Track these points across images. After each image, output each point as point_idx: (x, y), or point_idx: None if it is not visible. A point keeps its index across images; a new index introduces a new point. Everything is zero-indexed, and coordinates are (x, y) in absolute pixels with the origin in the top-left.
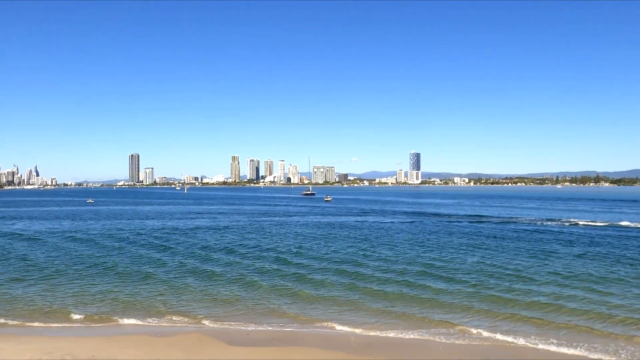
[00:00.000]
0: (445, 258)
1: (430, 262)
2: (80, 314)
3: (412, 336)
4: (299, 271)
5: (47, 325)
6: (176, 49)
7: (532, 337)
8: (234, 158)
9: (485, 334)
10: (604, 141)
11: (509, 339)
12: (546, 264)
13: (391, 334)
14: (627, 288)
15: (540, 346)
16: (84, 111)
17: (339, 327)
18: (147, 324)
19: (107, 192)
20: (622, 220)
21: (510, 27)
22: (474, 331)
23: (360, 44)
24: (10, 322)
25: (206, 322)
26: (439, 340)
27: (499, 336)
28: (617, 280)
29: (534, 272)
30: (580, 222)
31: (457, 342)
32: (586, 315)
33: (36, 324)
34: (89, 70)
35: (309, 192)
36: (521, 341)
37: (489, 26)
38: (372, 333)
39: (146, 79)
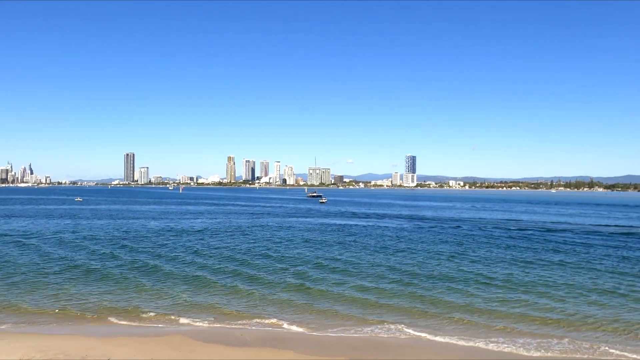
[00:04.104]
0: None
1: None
2: (74, 313)
3: (401, 337)
4: (296, 273)
5: (40, 323)
6: (172, 48)
7: None
8: (229, 158)
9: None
10: (598, 146)
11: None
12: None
13: (395, 335)
14: None
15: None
16: (79, 109)
17: (331, 330)
18: (141, 324)
19: (101, 191)
20: None
21: (507, 30)
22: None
23: (356, 45)
24: (3, 320)
25: (199, 323)
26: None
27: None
28: None
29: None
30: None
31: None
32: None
33: (30, 322)
34: (84, 68)
35: (315, 194)
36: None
37: (485, 29)
38: (366, 336)
39: (142, 78)
